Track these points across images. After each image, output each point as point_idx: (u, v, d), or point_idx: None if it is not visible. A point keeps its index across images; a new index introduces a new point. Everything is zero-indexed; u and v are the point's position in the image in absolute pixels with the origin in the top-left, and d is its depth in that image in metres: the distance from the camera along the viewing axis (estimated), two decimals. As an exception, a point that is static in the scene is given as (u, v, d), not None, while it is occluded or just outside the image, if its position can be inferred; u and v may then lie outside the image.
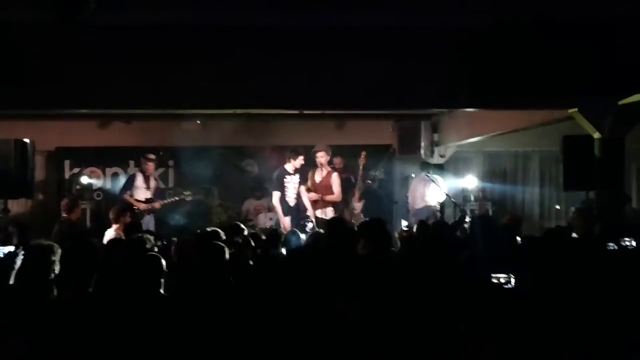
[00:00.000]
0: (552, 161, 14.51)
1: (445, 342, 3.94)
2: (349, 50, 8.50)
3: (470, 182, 13.12)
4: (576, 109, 8.80)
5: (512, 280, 4.18)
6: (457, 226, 8.99)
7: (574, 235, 7.40)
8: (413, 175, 12.35)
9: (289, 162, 10.38)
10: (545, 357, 3.72)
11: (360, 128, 13.74)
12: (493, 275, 4.18)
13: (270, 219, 12.21)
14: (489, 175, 14.36)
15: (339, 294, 4.54)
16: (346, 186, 11.55)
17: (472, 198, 13.00)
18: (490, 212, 12.72)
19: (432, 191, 11.63)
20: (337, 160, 11.88)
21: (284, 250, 7.27)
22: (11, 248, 6.37)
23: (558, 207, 14.60)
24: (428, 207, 11.81)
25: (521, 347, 3.75)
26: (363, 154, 11.82)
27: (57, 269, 4.90)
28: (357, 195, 11.85)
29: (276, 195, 10.23)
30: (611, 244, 5.84)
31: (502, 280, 4.16)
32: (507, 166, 14.80)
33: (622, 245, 5.70)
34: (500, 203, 14.01)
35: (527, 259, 5.22)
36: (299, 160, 10.36)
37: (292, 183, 10.72)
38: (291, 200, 10.73)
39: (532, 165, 14.91)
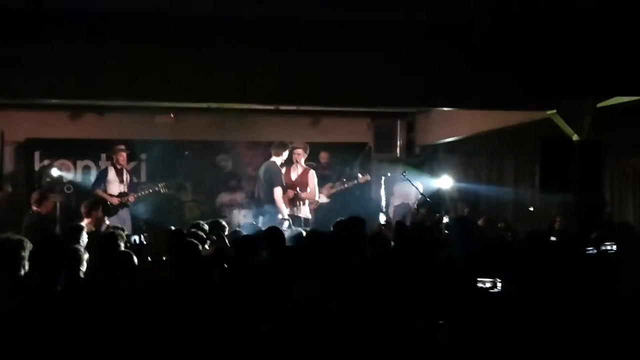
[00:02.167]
0: (526, 163, 14.50)
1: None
2: (326, 45, 8.37)
3: (445, 182, 13.07)
4: (554, 111, 8.76)
5: (499, 285, 4.10)
6: (434, 227, 8.92)
7: (553, 238, 7.34)
8: (389, 174, 12.28)
9: (278, 156, 10.20)
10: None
11: (336, 125, 13.70)
12: (479, 279, 4.10)
13: (244, 216, 12.06)
14: (463, 175, 14.31)
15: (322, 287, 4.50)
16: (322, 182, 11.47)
17: (447, 198, 12.93)
18: (465, 213, 12.67)
19: (409, 190, 11.60)
20: (324, 155, 11.80)
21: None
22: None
23: (532, 209, 14.61)
24: (405, 205, 11.83)
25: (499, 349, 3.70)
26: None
27: (26, 265, 4.73)
28: (327, 192, 11.80)
29: (278, 190, 9.98)
30: (590, 248, 5.80)
31: (488, 285, 4.08)
32: (481, 167, 14.76)
33: (602, 249, 5.65)
34: (474, 204, 13.96)
35: (507, 262, 5.15)
36: (286, 154, 10.21)
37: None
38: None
39: (507, 167, 14.88)
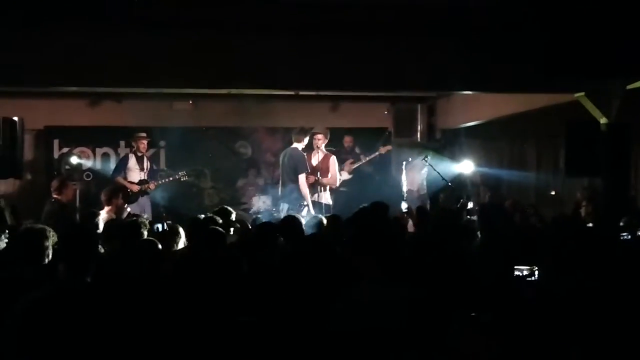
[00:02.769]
0: (549, 147, 14.34)
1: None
2: (346, 30, 8.27)
3: (466, 166, 12.94)
4: (583, 93, 8.60)
5: (536, 273, 3.97)
6: (459, 213, 8.78)
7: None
8: (410, 159, 12.14)
9: (299, 142, 10.06)
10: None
11: (356, 110, 13.56)
12: (516, 267, 3.97)
13: (264, 202, 11.97)
14: (485, 160, 14.16)
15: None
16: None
17: (469, 183, 12.78)
18: (487, 198, 12.53)
19: (414, 176, 11.58)
20: (348, 139, 11.62)
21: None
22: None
23: (554, 192, 14.46)
24: (410, 192, 11.79)
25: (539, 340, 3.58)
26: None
27: (50, 254, 4.64)
28: (348, 167, 11.72)
29: (302, 177, 9.86)
30: (624, 233, 5.65)
31: (526, 273, 3.95)
32: (503, 151, 14.59)
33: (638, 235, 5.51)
34: (496, 189, 13.81)
35: (539, 249, 5.01)
36: (306, 140, 10.07)
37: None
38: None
39: (529, 151, 14.71)
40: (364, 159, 12.05)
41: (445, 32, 8.35)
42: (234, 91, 11.34)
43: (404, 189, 11.71)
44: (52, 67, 8.08)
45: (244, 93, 11.87)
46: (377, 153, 12.72)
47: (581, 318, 3.63)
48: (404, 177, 11.76)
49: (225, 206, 8.17)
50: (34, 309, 3.52)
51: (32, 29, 7.71)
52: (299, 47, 8.28)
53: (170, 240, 6.04)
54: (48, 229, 4.86)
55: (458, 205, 9.73)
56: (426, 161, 11.12)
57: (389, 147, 13.07)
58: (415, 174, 12.32)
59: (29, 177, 12.68)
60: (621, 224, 6.44)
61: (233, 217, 7.71)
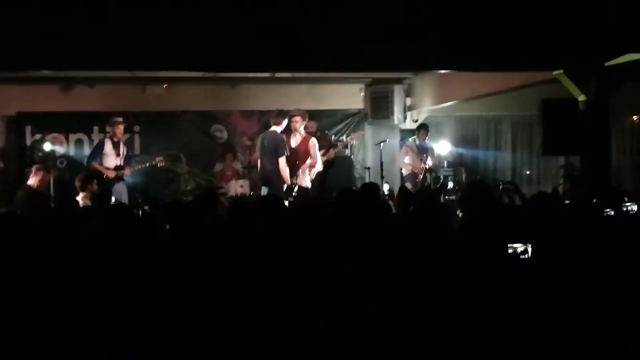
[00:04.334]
0: (524, 126, 14.44)
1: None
2: (321, 10, 8.16)
3: (443, 147, 12.98)
4: (561, 71, 8.58)
5: (529, 250, 3.93)
6: (439, 192, 8.76)
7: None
8: (387, 140, 12.12)
9: (278, 125, 9.94)
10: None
11: (332, 92, 13.50)
12: (509, 245, 3.93)
13: (242, 186, 11.89)
14: (461, 140, 14.20)
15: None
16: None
17: (445, 164, 12.82)
18: (463, 179, 12.57)
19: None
20: (311, 124, 11.55)
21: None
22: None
23: (528, 172, 14.58)
24: (413, 174, 11.83)
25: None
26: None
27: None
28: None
29: (283, 160, 9.73)
30: (608, 209, 5.63)
31: (520, 250, 3.91)
32: (479, 131, 14.66)
33: (622, 210, 5.50)
34: (472, 169, 13.88)
35: (525, 226, 4.97)
36: (285, 123, 9.95)
37: None
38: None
39: (504, 130, 14.79)
40: (334, 150, 11.78)
41: (422, 11, 8.28)
42: (208, 74, 11.24)
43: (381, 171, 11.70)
44: (23, 49, 7.87)
45: (218, 76, 11.77)
46: (349, 138, 12.70)
47: (575, 290, 3.61)
48: (381, 159, 11.74)
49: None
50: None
51: (1, 11, 7.52)
52: (274, 27, 8.13)
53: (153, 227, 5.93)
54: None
55: (438, 186, 9.73)
56: (415, 142, 11.16)
57: (361, 132, 13.05)
58: (399, 156, 12.36)
59: (1, 164, 12.49)
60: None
61: None
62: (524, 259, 3.92)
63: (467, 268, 4.13)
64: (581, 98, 8.54)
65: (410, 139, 12.50)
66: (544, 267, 3.86)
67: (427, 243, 4.69)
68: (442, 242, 4.73)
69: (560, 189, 9.08)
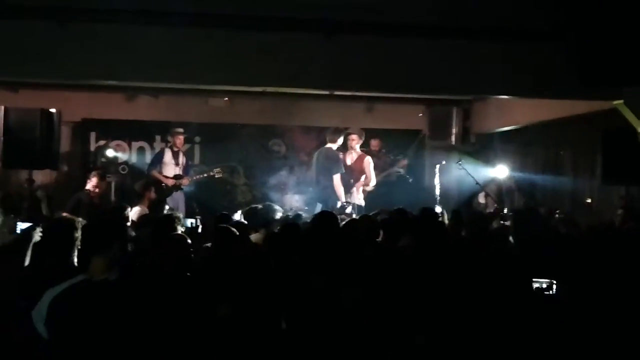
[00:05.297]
0: (585, 154, 14.18)
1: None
2: (383, 31, 8.25)
3: (501, 171, 12.82)
4: (622, 101, 8.46)
5: (554, 287, 3.86)
6: (493, 218, 8.69)
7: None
8: (444, 162, 12.05)
9: (333, 142, 10.02)
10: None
11: (391, 112, 13.52)
12: (535, 279, 3.87)
13: (297, 200, 11.98)
14: (520, 165, 14.02)
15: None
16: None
17: (504, 189, 12.68)
18: (522, 204, 12.40)
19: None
20: (375, 143, 11.54)
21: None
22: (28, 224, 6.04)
23: (589, 200, 14.28)
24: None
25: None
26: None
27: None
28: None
29: (337, 177, 9.82)
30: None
31: (544, 286, 3.85)
32: (538, 157, 14.44)
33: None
34: (531, 194, 13.67)
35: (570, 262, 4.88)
36: (341, 140, 10.03)
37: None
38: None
39: (565, 157, 14.54)
40: (382, 174, 11.76)
41: (484, 36, 8.30)
42: (269, 89, 11.39)
43: (437, 192, 11.63)
44: (92, 61, 8.14)
45: (279, 91, 11.92)
46: (394, 168, 12.61)
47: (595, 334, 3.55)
48: (437, 180, 11.68)
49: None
50: (58, 301, 3.58)
51: (73, 23, 7.80)
52: (335, 46, 8.25)
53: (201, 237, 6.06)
54: (77, 219, 4.87)
55: (492, 210, 9.64)
56: (460, 165, 11.02)
57: (404, 162, 12.83)
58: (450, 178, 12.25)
59: (65, 168, 12.84)
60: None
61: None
62: (548, 294, 3.85)
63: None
64: (640, 129, 8.42)
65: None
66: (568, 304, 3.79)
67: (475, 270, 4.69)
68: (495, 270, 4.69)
69: (617, 219, 8.93)
